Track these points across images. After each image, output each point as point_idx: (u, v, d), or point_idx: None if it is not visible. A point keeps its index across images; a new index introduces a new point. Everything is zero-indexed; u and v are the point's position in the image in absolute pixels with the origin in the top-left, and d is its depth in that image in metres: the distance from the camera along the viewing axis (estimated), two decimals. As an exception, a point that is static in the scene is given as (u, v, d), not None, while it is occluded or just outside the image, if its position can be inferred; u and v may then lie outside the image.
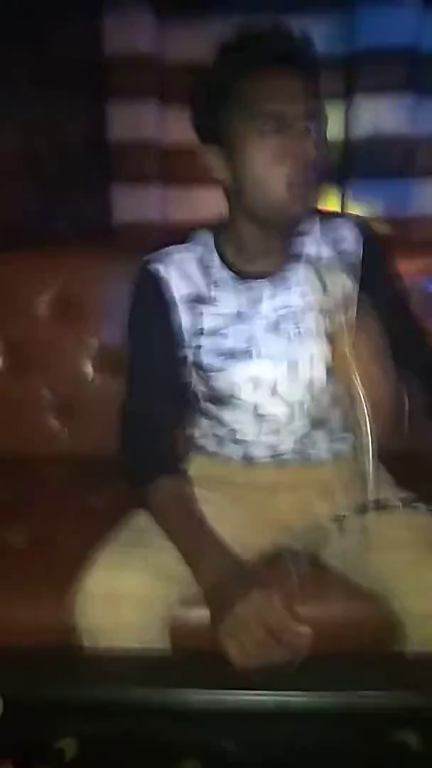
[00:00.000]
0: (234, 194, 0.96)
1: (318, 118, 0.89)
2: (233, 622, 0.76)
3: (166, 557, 0.90)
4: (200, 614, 0.85)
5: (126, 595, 0.87)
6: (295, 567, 0.96)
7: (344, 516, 0.97)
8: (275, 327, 1.01)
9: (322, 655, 0.75)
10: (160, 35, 1.72)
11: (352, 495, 0.97)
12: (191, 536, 0.90)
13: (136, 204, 1.85)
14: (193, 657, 0.83)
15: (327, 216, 1.04)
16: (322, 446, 1.08)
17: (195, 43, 1.56)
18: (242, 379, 1.02)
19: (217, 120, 0.92)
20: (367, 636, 0.95)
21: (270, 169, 0.89)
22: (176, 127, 1.70)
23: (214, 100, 0.91)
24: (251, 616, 0.76)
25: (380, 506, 0.96)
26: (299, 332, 1.00)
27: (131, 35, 1.70)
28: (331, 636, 0.86)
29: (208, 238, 1.04)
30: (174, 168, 1.82)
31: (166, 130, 1.79)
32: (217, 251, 1.02)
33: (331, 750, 0.69)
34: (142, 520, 0.98)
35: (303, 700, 0.73)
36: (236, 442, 1.08)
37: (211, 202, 1.03)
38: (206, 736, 0.70)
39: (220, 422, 1.08)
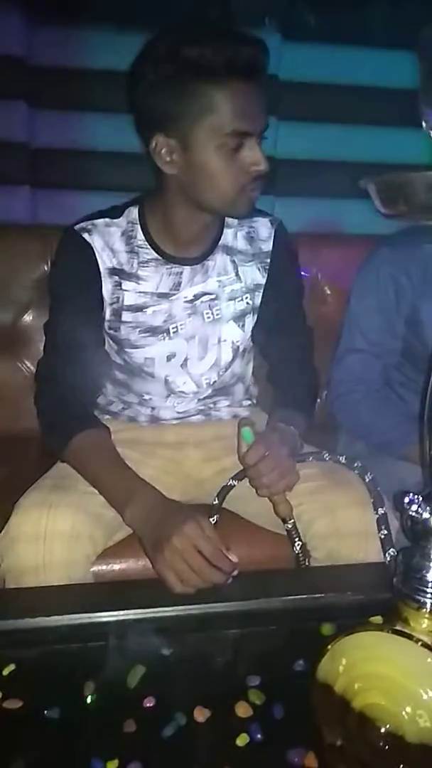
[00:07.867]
0: (176, 182, 0.97)
1: (265, 129, 0.95)
2: (171, 552, 0.80)
3: (90, 499, 0.94)
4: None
5: (53, 532, 0.89)
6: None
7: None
8: (193, 309, 1.08)
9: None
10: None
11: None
12: (117, 482, 0.94)
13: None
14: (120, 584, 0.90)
15: None
16: (224, 410, 1.18)
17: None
18: (157, 354, 1.07)
19: (173, 115, 0.91)
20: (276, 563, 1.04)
21: (224, 176, 0.93)
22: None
23: (171, 96, 0.90)
24: (187, 545, 0.80)
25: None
26: (212, 315, 1.09)
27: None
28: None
29: (133, 214, 1.07)
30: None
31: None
32: (142, 229, 1.06)
33: (255, 645, 0.77)
34: (65, 468, 1.00)
35: (226, 608, 0.81)
36: (143, 406, 1.14)
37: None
38: (148, 647, 0.75)
39: (130, 390, 1.13)
